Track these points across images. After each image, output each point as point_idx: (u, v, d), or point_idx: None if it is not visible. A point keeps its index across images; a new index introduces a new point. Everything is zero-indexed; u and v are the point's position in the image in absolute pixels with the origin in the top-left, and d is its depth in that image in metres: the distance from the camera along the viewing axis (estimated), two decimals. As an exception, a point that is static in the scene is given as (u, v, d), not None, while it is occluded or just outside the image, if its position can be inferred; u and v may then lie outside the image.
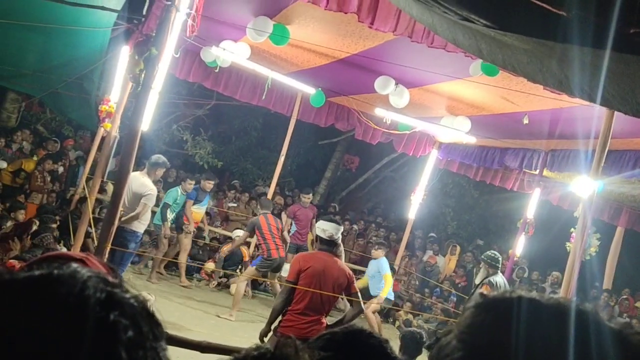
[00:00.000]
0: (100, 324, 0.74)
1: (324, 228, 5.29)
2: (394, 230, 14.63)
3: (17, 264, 5.78)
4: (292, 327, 5.05)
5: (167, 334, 0.86)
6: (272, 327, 5.31)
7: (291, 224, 11.12)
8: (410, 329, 6.55)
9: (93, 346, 0.72)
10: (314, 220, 10.87)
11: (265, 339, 5.26)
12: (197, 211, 10.57)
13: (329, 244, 5.29)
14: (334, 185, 18.35)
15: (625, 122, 5.29)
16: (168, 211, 9.97)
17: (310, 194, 11.77)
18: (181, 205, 10.24)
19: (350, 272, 5.38)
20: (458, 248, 14.25)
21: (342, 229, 5.54)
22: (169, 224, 9.98)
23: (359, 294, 5.43)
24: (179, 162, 15.06)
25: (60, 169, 11.48)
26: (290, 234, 10.74)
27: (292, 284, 5.19)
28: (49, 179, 10.80)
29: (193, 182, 10.53)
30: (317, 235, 5.43)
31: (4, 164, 10.58)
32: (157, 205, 12.12)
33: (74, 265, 0.82)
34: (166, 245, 10.16)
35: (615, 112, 4.74)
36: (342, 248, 5.50)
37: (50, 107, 12.75)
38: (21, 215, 8.56)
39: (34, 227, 7.45)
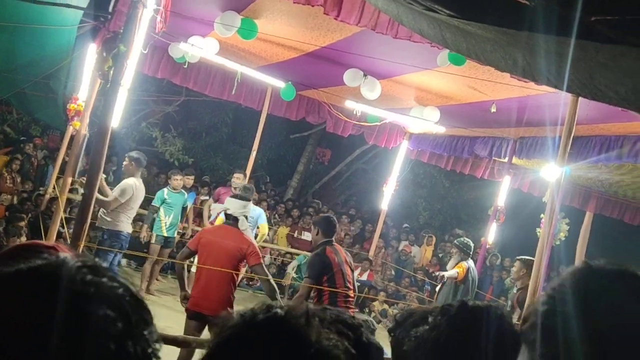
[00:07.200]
0: (89, 320, 0.74)
1: (228, 206, 5.95)
2: (369, 222, 14.70)
3: None
4: (194, 297, 5.67)
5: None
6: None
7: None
8: (364, 317, 6.69)
9: (83, 342, 0.73)
10: None
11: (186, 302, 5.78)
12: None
13: (232, 219, 5.90)
14: (306, 178, 18.37)
15: (589, 108, 5.39)
16: (161, 212, 9.14)
17: (242, 174, 9.78)
18: (180, 206, 9.30)
19: (251, 245, 5.81)
20: (434, 238, 14.45)
21: (248, 204, 6.10)
22: (165, 227, 9.17)
23: (264, 268, 5.85)
24: (150, 159, 14.93)
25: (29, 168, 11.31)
26: (210, 220, 9.37)
27: (193, 251, 5.86)
28: (18, 179, 10.64)
29: (179, 177, 9.47)
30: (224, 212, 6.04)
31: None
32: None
33: (62, 255, 0.81)
34: (155, 251, 9.16)
35: (580, 99, 4.85)
36: (246, 224, 5.98)
37: (16, 108, 12.54)
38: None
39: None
